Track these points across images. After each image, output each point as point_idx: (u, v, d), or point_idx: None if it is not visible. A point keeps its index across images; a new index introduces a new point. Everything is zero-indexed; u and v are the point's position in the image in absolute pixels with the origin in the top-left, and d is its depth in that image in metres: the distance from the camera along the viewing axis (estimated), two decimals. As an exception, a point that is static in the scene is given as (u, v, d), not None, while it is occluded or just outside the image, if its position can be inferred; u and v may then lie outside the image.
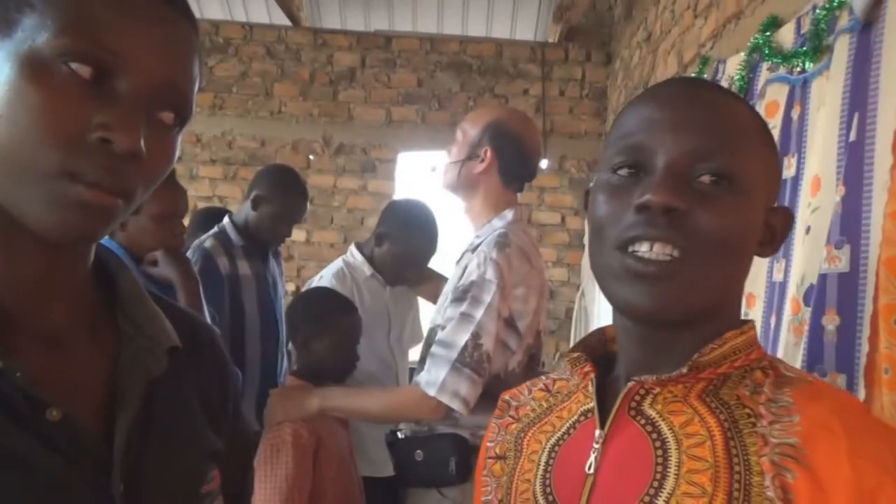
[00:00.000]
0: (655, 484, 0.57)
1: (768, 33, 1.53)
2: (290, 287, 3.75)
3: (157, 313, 0.61)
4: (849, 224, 1.08)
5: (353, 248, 2.14)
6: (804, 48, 1.35)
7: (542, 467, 0.66)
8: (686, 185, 0.57)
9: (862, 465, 0.51)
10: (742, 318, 0.66)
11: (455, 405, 1.40)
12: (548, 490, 0.64)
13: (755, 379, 0.60)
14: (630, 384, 0.61)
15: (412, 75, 4.03)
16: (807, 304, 1.18)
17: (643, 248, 0.57)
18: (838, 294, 1.08)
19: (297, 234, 3.99)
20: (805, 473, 0.52)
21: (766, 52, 1.51)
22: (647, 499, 0.56)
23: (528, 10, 4.09)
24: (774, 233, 0.64)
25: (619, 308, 0.62)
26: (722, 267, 0.59)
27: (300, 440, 1.46)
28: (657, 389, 0.61)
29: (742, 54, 1.65)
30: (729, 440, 0.56)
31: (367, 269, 2.07)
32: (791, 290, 1.26)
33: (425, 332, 1.69)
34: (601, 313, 3.37)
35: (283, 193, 2.18)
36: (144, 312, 0.60)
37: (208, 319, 1.61)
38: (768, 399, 0.58)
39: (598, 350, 0.70)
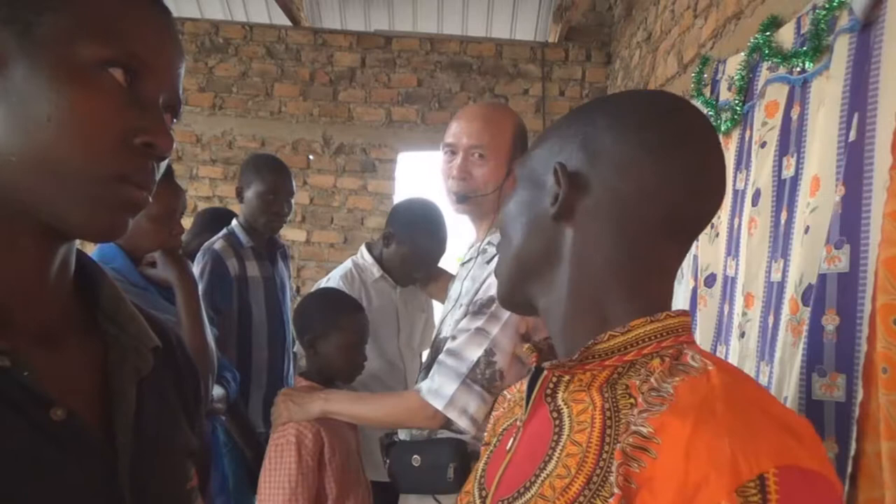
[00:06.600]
0: (541, 465, 0.61)
1: (768, 33, 1.53)
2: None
3: (136, 315, 0.62)
4: (848, 224, 1.08)
5: (363, 249, 2.12)
6: (804, 48, 1.35)
7: (489, 452, 0.73)
8: None
9: (695, 456, 0.49)
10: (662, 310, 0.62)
11: (462, 423, 1.34)
12: (484, 469, 0.71)
13: (651, 367, 0.58)
14: (545, 372, 0.65)
15: (412, 75, 4.03)
16: (805, 303, 1.18)
17: None
18: (838, 294, 1.08)
19: (298, 235, 3.99)
20: (651, 462, 0.51)
21: (766, 52, 1.51)
22: (533, 478, 0.61)
23: (528, 10, 4.09)
24: None
25: None
26: None
27: (304, 441, 1.46)
28: (567, 377, 0.62)
29: (742, 54, 1.65)
30: (607, 428, 0.57)
31: (376, 271, 2.06)
32: (789, 290, 1.26)
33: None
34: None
35: (259, 171, 2.18)
36: (125, 314, 0.61)
37: (207, 320, 1.60)
38: (651, 388, 0.56)
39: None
